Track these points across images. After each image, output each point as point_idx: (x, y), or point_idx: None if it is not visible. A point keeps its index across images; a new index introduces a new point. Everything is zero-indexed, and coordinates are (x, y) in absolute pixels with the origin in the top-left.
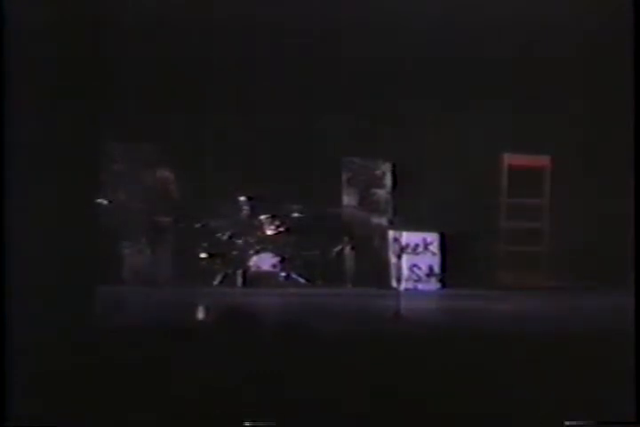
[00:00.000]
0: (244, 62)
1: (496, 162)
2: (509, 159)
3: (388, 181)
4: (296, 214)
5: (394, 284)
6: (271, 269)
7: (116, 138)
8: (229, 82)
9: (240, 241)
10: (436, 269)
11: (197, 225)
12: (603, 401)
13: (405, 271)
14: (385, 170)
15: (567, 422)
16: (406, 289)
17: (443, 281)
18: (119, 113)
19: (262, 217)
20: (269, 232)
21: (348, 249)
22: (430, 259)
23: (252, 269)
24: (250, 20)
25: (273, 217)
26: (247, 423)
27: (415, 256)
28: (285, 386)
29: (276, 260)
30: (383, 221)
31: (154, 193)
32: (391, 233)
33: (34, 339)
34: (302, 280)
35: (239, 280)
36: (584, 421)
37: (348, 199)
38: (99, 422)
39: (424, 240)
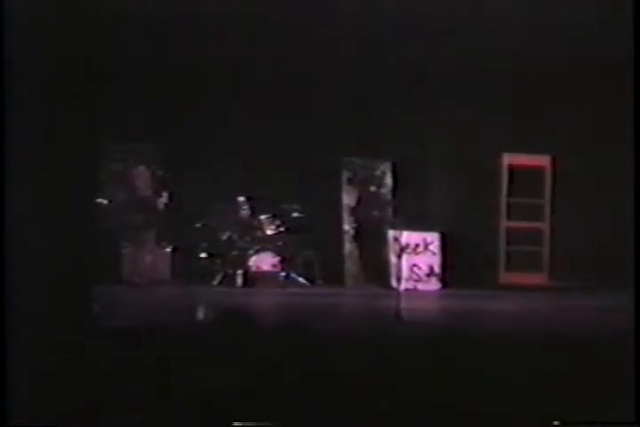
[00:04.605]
0: (245, 62)
1: (496, 162)
2: (509, 159)
3: (388, 180)
4: (296, 214)
5: (394, 284)
6: (271, 269)
7: (115, 138)
8: (229, 82)
9: (240, 241)
10: (436, 268)
11: (197, 225)
12: (602, 401)
13: (405, 271)
14: (385, 170)
15: (566, 423)
16: (406, 289)
17: (443, 281)
18: (119, 113)
19: (262, 217)
20: (269, 232)
21: (348, 249)
22: (430, 259)
23: (252, 269)
24: (250, 20)
25: (273, 217)
26: (243, 423)
27: (415, 256)
28: (285, 385)
29: (276, 260)
30: (383, 220)
31: (153, 193)
32: (391, 233)
33: (34, 339)
34: (302, 280)
35: (239, 280)
36: (584, 421)
37: (348, 199)
38: (98, 423)
39: (424, 240)
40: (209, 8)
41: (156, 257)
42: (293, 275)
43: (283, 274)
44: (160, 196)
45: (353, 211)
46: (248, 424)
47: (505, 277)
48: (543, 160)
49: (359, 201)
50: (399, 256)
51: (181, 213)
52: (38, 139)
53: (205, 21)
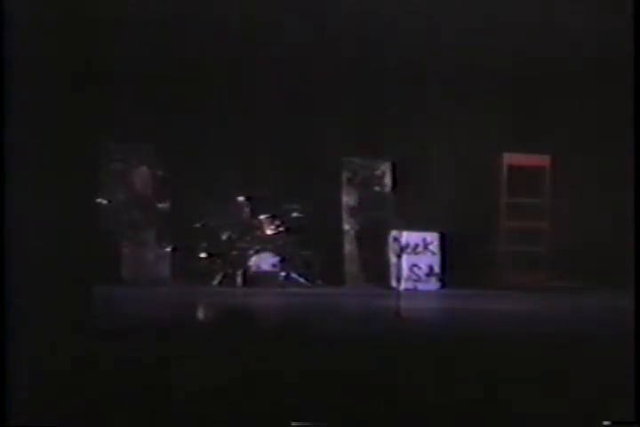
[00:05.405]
0: (245, 62)
1: (496, 162)
2: (509, 159)
3: (388, 180)
4: (296, 214)
5: (394, 283)
6: (271, 268)
7: (115, 138)
8: (229, 82)
9: (240, 241)
10: (436, 268)
11: (197, 225)
12: (603, 401)
13: (405, 271)
14: (385, 170)
15: (566, 423)
16: (406, 289)
17: (443, 281)
18: (119, 113)
19: (262, 217)
20: (269, 232)
21: (347, 249)
22: (430, 259)
23: (252, 268)
24: (250, 20)
25: (273, 217)
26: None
27: (415, 256)
28: (285, 385)
29: (275, 260)
30: (383, 220)
31: (153, 193)
32: (391, 233)
33: (34, 339)
34: (302, 280)
35: (239, 280)
36: (584, 421)
37: (348, 199)
38: (99, 422)
39: (424, 240)
40: (209, 8)
41: (156, 257)
42: (293, 275)
43: (283, 274)
44: (160, 196)
45: (353, 211)
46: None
47: (505, 277)
48: (543, 160)
49: (359, 201)
50: (399, 256)
51: (181, 213)
52: (38, 139)
53: (205, 21)
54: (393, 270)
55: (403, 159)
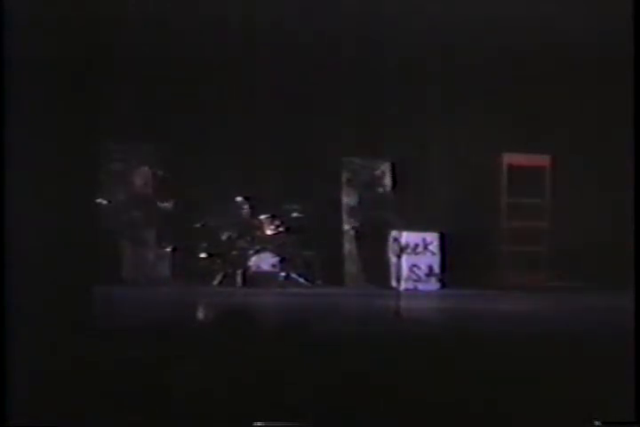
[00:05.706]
0: (245, 62)
1: (496, 162)
2: (509, 159)
3: (388, 180)
4: (296, 214)
5: (394, 284)
6: (271, 269)
7: (115, 138)
8: (229, 82)
9: (240, 241)
10: (436, 269)
11: (197, 225)
12: (602, 401)
13: (405, 271)
14: (385, 170)
15: (566, 423)
16: (406, 289)
17: (442, 281)
18: (119, 113)
19: (262, 217)
20: (269, 232)
21: (347, 249)
22: (430, 259)
23: (252, 269)
24: (250, 20)
25: (273, 217)
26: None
27: (415, 256)
28: (285, 385)
29: (275, 260)
30: (383, 220)
31: (153, 193)
32: (391, 233)
33: (34, 339)
34: (302, 280)
35: (239, 280)
36: (584, 421)
37: (348, 199)
38: (99, 422)
39: (424, 240)
40: (209, 8)
41: (155, 257)
42: (293, 275)
43: (282, 274)
44: (160, 196)
45: (353, 211)
46: (271, 424)
47: (505, 277)
48: (543, 160)
49: (359, 201)
50: (399, 256)
51: (181, 213)
52: (38, 139)
53: (205, 21)
54: (393, 270)
55: (403, 159)
